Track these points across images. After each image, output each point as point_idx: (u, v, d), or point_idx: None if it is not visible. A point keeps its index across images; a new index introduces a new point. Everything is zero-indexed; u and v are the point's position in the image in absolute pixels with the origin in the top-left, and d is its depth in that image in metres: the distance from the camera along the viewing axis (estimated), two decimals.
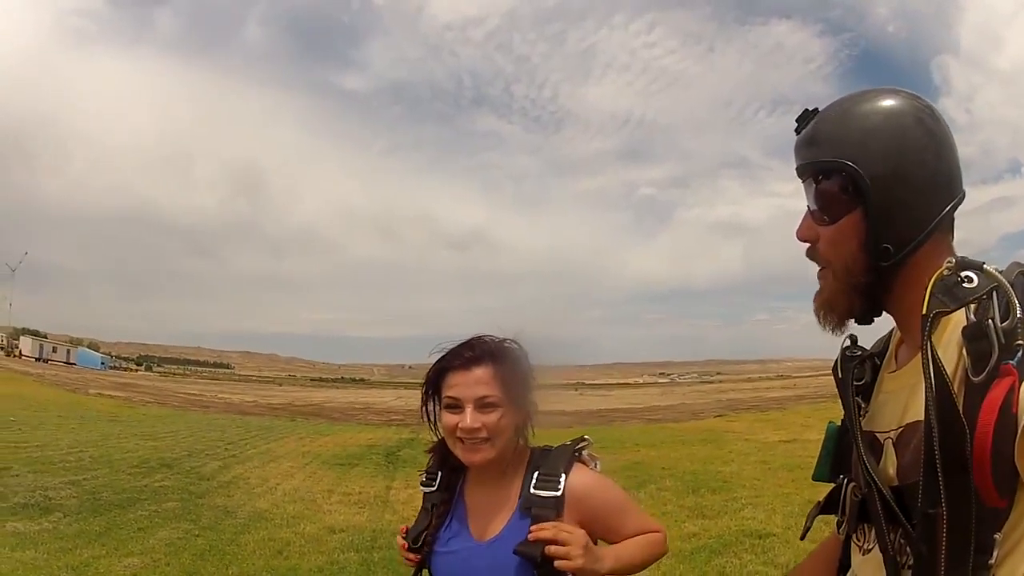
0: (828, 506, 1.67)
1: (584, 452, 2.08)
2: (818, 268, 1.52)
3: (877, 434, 1.47)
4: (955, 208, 1.42)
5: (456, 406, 1.96)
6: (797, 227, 1.53)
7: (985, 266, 1.27)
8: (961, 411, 1.18)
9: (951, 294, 1.27)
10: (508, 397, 1.97)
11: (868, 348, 1.63)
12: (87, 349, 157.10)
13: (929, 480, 1.23)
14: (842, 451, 1.63)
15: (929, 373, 1.22)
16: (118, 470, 13.23)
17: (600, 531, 2.01)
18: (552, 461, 2.01)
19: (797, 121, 1.55)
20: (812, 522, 1.76)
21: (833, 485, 1.66)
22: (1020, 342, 1.16)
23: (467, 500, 2.09)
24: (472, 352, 2.00)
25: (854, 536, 1.57)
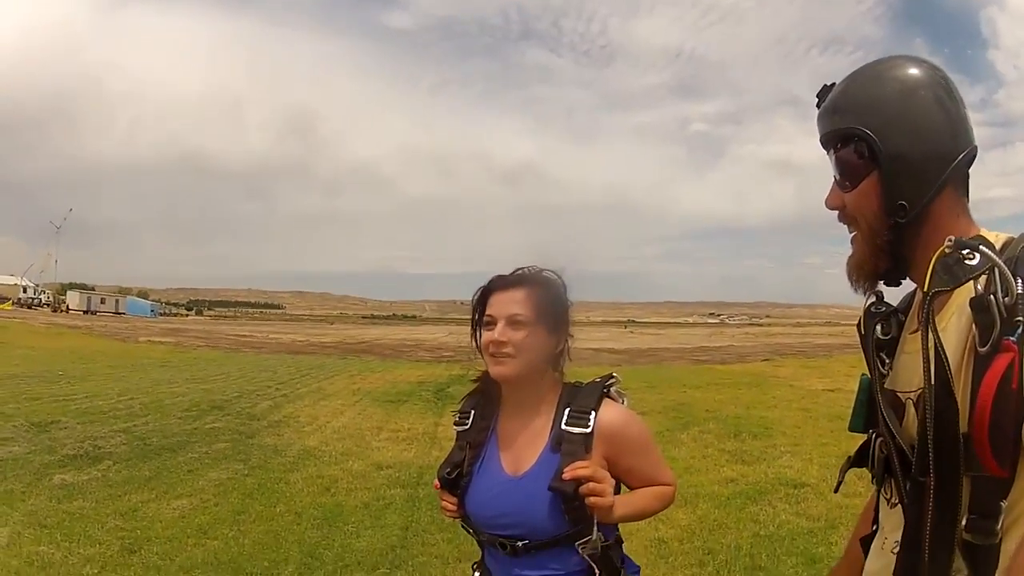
0: (859, 460, 1.79)
1: (613, 389, 2.18)
2: (849, 233, 1.65)
3: (899, 393, 1.59)
4: (965, 161, 1.54)
5: (491, 323, 2.11)
6: (825, 197, 1.67)
7: (981, 247, 1.38)
8: (962, 383, 1.34)
9: (951, 272, 1.41)
10: (537, 318, 2.10)
11: (894, 304, 1.72)
12: (136, 298, 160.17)
13: (922, 451, 1.39)
14: (875, 404, 1.68)
15: (928, 356, 1.36)
16: (168, 415, 13.54)
17: (622, 468, 2.12)
18: (582, 398, 2.12)
19: (817, 96, 1.68)
20: (844, 476, 1.89)
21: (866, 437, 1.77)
22: (1020, 318, 1.28)
23: (500, 433, 2.21)
24: (510, 277, 2.17)
25: (882, 490, 1.68)
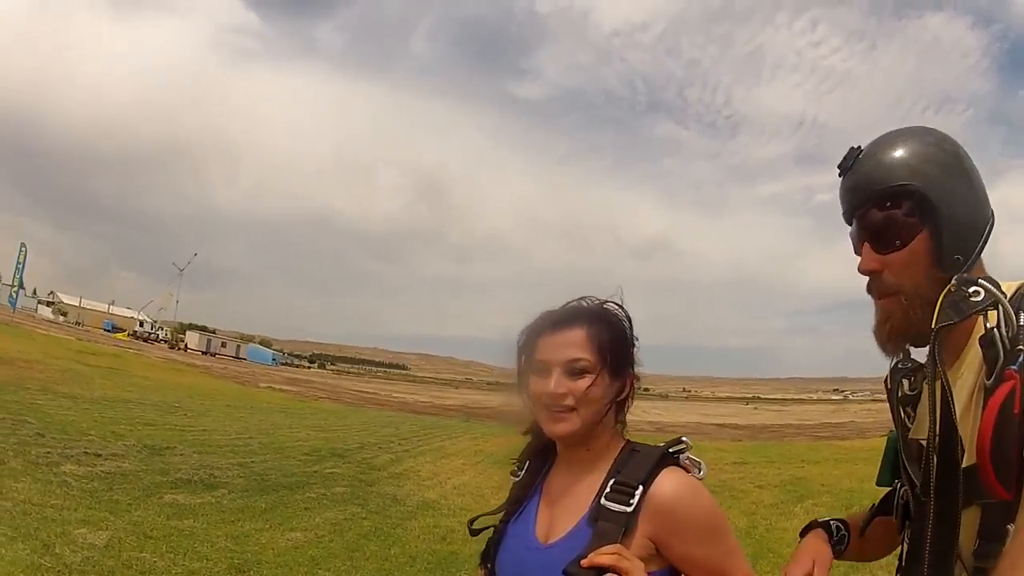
0: (885, 509, 1.98)
1: (683, 456, 1.80)
2: (879, 299, 1.73)
3: (920, 441, 1.68)
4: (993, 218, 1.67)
5: (544, 370, 1.82)
6: (858, 263, 1.74)
7: (980, 280, 1.52)
8: (972, 416, 1.50)
9: (957, 308, 1.53)
10: (602, 363, 1.81)
11: (920, 361, 1.80)
12: (258, 345, 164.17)
13: (925, 478, 1.57)
14: (899, 458, 1.83)
15: (934, 392, 1.53)
16: (288, 456, 14.12)
17: (676, 555, 1.75)
18: (633, 466, 1.77)
19: (844, 159, 1.76)
20: (868, 523, 2.08)
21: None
22: (1021, 347, 1.43)
23: (545, 491, 1.95)
24: (564, 313, 1.90)
25: (904, 535, 1.83)
